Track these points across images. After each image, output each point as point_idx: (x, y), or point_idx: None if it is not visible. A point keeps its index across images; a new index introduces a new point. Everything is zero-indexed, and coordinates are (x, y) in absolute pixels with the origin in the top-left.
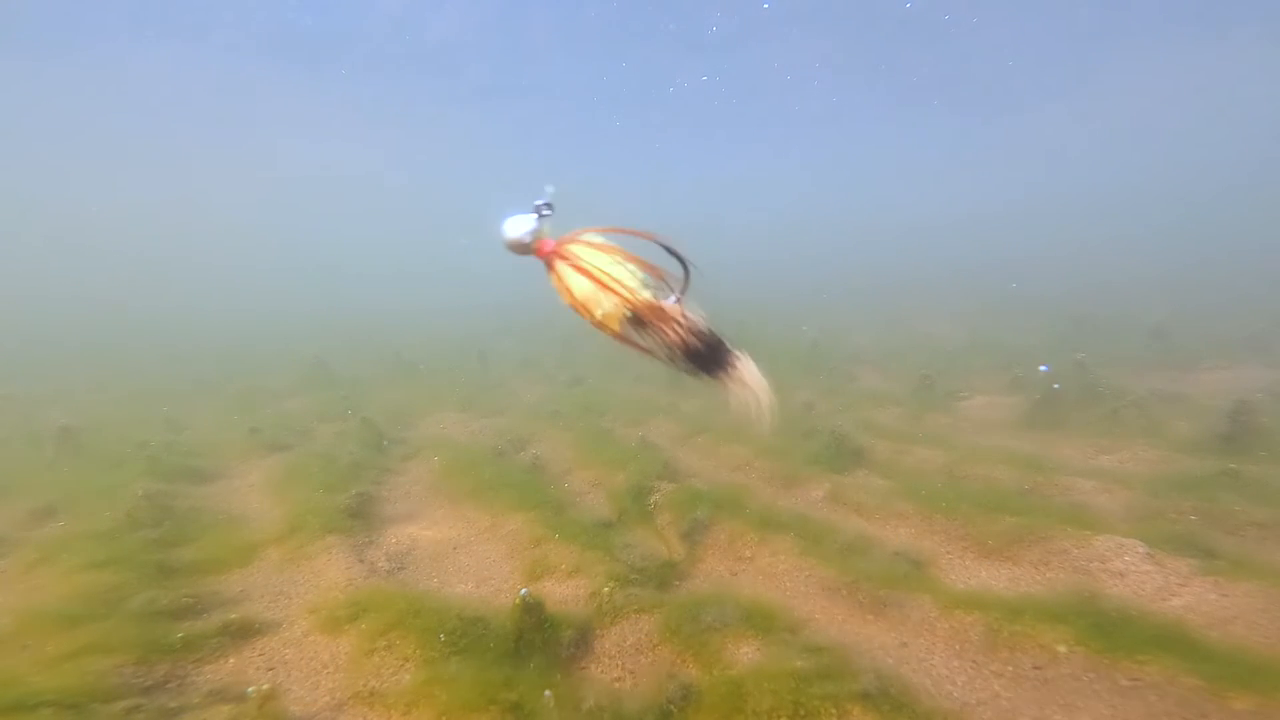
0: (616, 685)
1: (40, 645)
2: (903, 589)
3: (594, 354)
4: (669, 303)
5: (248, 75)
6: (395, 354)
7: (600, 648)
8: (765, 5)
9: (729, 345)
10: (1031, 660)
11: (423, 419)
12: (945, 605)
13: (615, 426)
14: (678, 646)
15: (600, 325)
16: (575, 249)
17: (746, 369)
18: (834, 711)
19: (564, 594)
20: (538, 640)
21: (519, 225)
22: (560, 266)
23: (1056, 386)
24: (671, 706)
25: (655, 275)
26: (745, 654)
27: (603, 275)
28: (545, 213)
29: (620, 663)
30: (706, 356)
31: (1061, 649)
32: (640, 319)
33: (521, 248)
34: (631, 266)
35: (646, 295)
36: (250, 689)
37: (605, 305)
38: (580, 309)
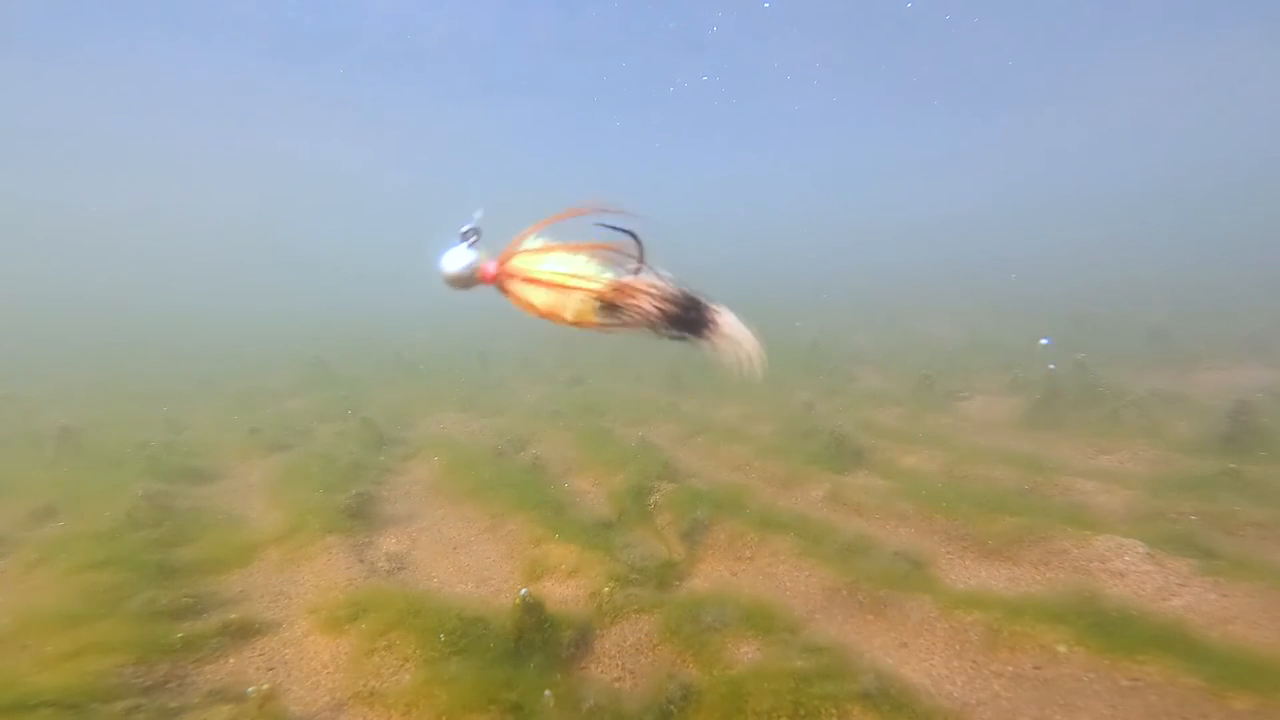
0: (616, 685)
1: (40, 645)
2: (903, 589)
3: (594, 354)
4: (633, 277)
5: (248, 74)
6: (395, 353)
7: (600, 648)
8: (765, 5)
9: (705, 301)
10: (1031, 660)
11: (423, 419)
12: (945, 605)
13: (615, 426)
14: (678, 646)
15: (577, 324)
16: (518, 263)
17: (728, 321)
18: (834, 711)
19: (564, 594)
20: (538, 640)
21: (455, 260)
22: (511, 285)
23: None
24: (671, 706)
25: (609, 252)
26: (745, 654)
27: (557, 277)
28: (473, 239)
29: (620, 663)
30: (687, 318)
31: (1061, 649)
32: (612, 303)
33: (464, 281)
34: (582, 255)
35: (608, 277)
36: (250, 689)
37: (572, 305)
38: (549, 317)
